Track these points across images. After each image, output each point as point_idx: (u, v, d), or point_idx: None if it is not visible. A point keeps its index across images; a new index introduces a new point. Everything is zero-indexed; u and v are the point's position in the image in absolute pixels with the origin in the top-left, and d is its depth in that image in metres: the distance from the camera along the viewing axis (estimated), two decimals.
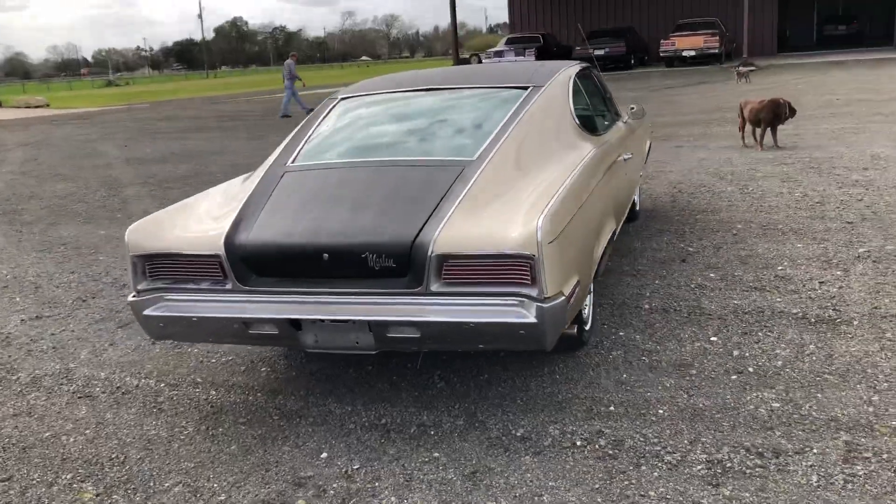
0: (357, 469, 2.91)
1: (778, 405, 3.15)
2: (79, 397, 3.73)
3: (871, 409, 3.07)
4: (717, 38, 24.84)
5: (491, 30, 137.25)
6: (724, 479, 2.67)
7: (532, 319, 2.79)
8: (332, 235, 3.06)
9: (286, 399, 3.55)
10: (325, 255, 3.02)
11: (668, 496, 2.59)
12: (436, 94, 4.17)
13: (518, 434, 3.07)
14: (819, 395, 3.21)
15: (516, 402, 3.33)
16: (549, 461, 2.86)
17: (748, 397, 3.23)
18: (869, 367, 3.42)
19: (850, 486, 2.58)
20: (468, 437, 3.08)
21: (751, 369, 3.49)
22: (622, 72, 27.51)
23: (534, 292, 2.82)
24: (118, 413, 3.53)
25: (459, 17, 32.76)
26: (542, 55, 28.01)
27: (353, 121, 4.13)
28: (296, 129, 4.16)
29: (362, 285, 3.02)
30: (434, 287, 2.92)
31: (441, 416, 3.27)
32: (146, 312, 3.28)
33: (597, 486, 2.69)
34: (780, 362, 3.53)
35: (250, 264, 3.14)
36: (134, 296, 3.34)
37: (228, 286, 3.18)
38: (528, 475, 2.79)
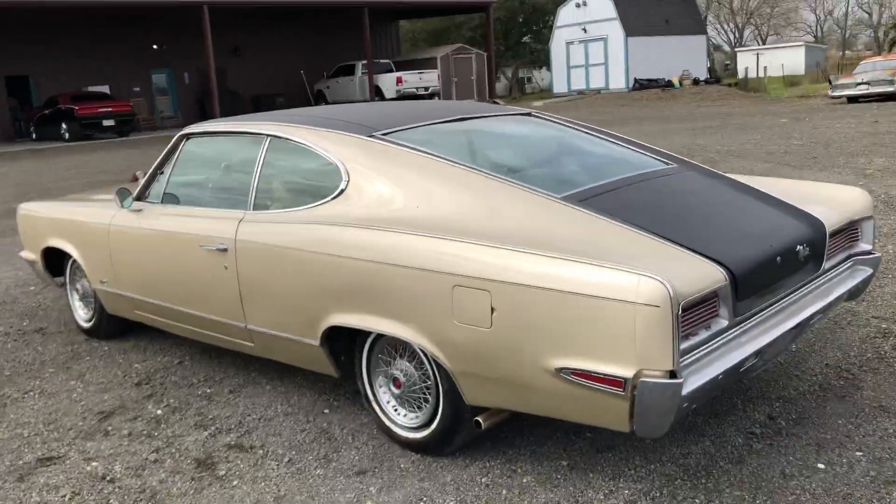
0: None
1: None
2: None
3: None
4: None
5: None
6: None
7: (871, 270, 3.49)
8: (787, 236, 3.03)
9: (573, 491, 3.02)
10: (779, 258, 2.94)
11: None
12: (478, 121, 4.06)
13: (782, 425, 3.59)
14: None
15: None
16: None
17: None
18: None
19: None
20: (774, 447, 3.16)
21: None
22: None
23: (867, 247, 3.51)
24: None
25: None
26: None
27: (484, 150, 3.70)
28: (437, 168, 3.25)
29: (793, 282, 3.06)
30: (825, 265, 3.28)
31: (700, 445, 3.20)
32: (686, 392, 2.45)
33: None
34: None
35: (741, 289, 2.74)
36: (672, 376, 2.43)
37: (723, 324, 2.69)
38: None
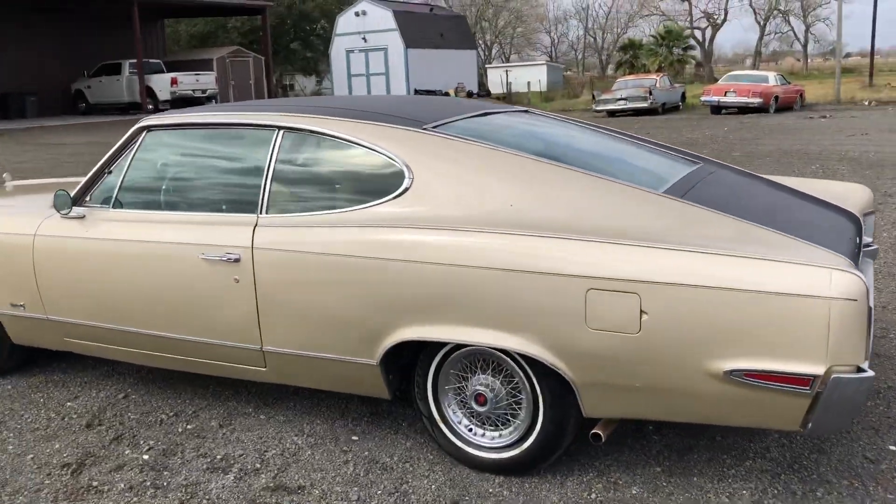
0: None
1: None
2: None
3: None
4: None
5: None
6: None
7: (872, 261, 3.73)
8: (850, 230, 3.14)
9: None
10: (855, 251, 3.06)
11: None
12: (500, 117, 3.83)
13: None
14: None
15: None
16: None
17: None
18: None
19: None
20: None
21: None
22: None
23: (869, 240, 3.74)
24: None
25: None
26: None
27: (538, 146, 3.45)
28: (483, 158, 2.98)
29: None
30: None
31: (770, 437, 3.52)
32: None
33: None
34: None
35: None
36: (858, 371, 2.41)
37: None
38: None
